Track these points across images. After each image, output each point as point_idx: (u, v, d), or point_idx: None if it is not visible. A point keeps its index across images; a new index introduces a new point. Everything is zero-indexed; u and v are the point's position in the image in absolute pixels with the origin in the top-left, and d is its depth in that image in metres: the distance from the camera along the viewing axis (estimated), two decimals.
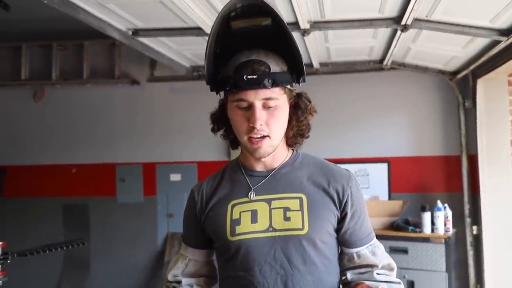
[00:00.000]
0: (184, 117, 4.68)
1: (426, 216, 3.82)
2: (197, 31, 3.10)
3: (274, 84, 1.24)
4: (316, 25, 3.02)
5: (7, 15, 2.88)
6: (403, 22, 2.81)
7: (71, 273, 4.87)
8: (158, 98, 4.82)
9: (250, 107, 1.26)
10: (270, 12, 1.23)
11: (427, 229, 3.80)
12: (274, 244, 1.29)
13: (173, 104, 4.75)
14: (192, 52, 4.02)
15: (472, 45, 3.22)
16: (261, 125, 1.26)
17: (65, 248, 2.40)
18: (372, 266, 1.37)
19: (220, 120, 1.38)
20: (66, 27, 4.02)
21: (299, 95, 1.36)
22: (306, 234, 1.28)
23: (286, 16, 2.87)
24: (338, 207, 1.33)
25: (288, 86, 1.30)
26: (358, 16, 2.94)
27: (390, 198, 4.38)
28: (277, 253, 1.29)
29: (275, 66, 1.27)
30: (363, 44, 3.76)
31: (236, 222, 1.32)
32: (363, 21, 2.97)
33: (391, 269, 1.40)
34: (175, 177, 4.78)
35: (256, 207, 1.32)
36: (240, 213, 1.32)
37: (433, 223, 3.82)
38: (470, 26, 2.80)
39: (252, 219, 1.31)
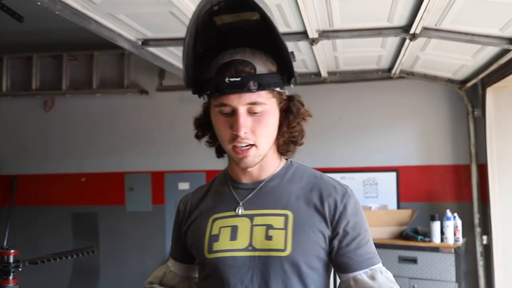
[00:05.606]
0: (193, 126, 4.68)
1: (436, 225, 3.79)
2: None
3: (261, 87, 1.10)
4: (325, 34, 3.02)
5: (18, 27, 2.91)
6: (412, 31, 2.81)
7: (80, 281, 4.89)
8: (167, 107, 4.85)
9: (234, 112, 1.13)
10: (254, 6, 1.08)
11: (436, 239, 3.78)
12: (253, 265, 1.15)
13: (181, 113, 4.75)
14: None
15: (481, 54, 3.22)
16: (245, 133, 1.12)
17: (75, 256, 2.40)
18: None
19: (205, 126, 1.27)
20: (76, 38, 4.07)
21: (290, 98, 1.21)
22: (289, 256, 1.13)
23: (295, 26, 2.89)
24: (329, 225, 1.16)
25: (277, 89, 1.16)
26: (367, 25, 2.94)
27: (398, 207, 4.36)
28: (255, 276, 1.14)
29: (262, 67, 1.13)
30: (372, 53, 3.76)
31: (214, 238, 1.19)
32: (371, 30, 2.97)
33: None
34: (184, 185, 4.79)
35: (237, 222, 1.19)
36: (219, 228, 1.20)
37: (442, 233, 3.80)
38: (479, 35, 2.80)
39: (232, 236, 1.18)
